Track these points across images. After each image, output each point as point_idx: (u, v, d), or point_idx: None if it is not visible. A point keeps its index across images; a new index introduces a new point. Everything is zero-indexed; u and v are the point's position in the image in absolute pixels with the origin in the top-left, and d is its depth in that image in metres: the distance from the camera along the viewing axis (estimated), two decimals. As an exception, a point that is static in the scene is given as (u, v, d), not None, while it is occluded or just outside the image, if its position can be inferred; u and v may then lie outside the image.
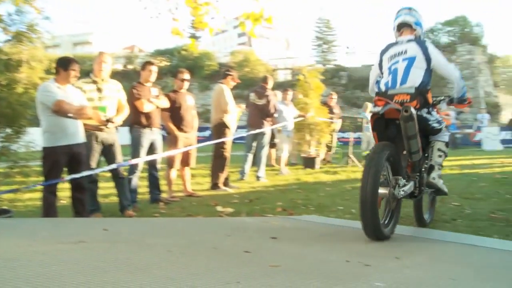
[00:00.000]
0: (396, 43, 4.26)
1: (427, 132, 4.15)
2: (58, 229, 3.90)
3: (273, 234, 3.88)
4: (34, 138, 5.91)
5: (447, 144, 4.33)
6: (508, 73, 72.29)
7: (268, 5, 6.98)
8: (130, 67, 34.37)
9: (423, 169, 4.23)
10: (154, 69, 6.68)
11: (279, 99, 10.84)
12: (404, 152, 4.02)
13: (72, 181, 5.26)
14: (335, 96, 13.77)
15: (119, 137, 6.00)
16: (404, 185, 3.94)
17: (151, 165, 6.76)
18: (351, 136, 12.98)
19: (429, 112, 4.01)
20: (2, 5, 6.23)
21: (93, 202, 5.79)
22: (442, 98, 4.43)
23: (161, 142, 6.76)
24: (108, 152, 5.82)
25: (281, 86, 16.18)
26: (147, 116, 6.47)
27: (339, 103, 25.04)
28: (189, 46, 30.20)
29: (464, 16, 32.76)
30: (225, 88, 7.99)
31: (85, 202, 5.48)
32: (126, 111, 6.03)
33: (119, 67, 33.86)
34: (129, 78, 6.74)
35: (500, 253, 3.74)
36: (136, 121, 6.41)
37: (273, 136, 10.09)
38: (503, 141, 21.68)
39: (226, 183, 8.15)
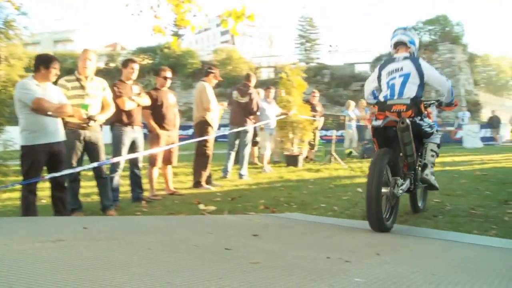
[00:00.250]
0: (393, 60, 4.85)
1: (421, 136, 4.77)
2: (36, 228, 3.85)
3: (254, 231, 3.88)
4: (12, 137, 5.84)
5: (438, 145, 4.90)
6: (487, 71, 73.31)
7: (250, 2, 6.98)
8: (112, 65, 34.08)
9: (417, 167, 4.87)
10: (135, 67, 6.64)
11: (261, 97, 10.84)
12: (401, 154, 4.68)
13: (52, 180, 5.20)
14: (317, 94, 13.81)
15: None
16: (402, 184, 4.57)
17: (133, 164, 6.72)
18: (333, 134, 13.00)
19: (422, 119, 4.66)
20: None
21: (75, 201, 5.73)
22: (432, 102, 5.03)
23: (143, 140, 6.72)
24: (91, 151, 5.75)
25: (264, 84, 16.20)
26: (129, 114, 6.43)
27: (322, 101, 25.16)
28: (171, 44, 30.07)
29: (445, 15, 33.03)
30: (207, 86, 7.96)
31: (65, 201, 5.43)
32: (111, 110, 5.96)
33: (101, 65, 33.53)
34: (111, 76, 6.68)
35: (479, 248, 3.79)
36: (117, 119, 6.36)
37: (255, 134, 10.08)
38: (483, 139, 22.00)
39: (208, 181, 8.13)
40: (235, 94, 9.34)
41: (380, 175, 4.20)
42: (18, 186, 5.23)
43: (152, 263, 2.34)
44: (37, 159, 5.01)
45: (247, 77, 9.62)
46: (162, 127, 7.05)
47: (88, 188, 6.82)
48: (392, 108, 4.52)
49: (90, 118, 5.46)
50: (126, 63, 6.72)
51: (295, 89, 11.37)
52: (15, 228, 3.78)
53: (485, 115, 28.33)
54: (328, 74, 33.94)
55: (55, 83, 5.37)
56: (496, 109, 26.99)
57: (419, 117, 4.62)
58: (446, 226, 4.82)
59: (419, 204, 5.54)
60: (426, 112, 4.84)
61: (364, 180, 8.67)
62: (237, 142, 9.29)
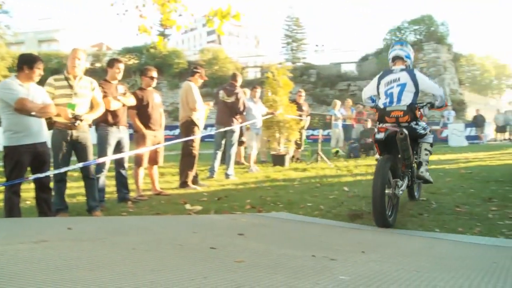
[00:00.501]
0: (391, 72, 5.46)
1: (416, 137, 5.39)
2: (19, 229, 3.81)
3: (240, 230, 3.87)
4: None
5: (431, 144, 5.59)
6: (472, 71, 73.97)
7: (236, 2, 6.97)
8: (98, 65, 33.85)
9: (413, 165, 5.52)
10: (121, 66, 6.59)
11: (247, 97, 10.83)
12: (399, 156, 5.22)
13: (36, 181, 5.16)
14: (303, 93, 13.83)
15: (86, 136, 5.88)
16: (402, 185, 5.14)
17: (119, 164, 6.68)
18: (320, 133, 13.04)
19: (417, 124, 5.28)
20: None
21: (61, 201, 5.67)
22: (425, 104, 5.57)
23: (128, 140, 6.68)
24: (79, 151, 5.69)
25: (251, 84, 16.18)
26: (114, 114, 6.39)
27: (308, 101, 25.21)
28: (156, 44, 29.96)
29: (430, 15, 33.32)
30: (193, 86, 7.94)
31: (50, 202, 5.38)
32: (100, 109, 5.91)
33: (87, 65, 33.34)
34: (97, 76, 6.65)
35: (463, 245, 3.83)
36: (103, 119, 6.31)
37: (241, 134, 10.07)
38: (468, 138, 22.21)
39: (195, 181, 8.11)
40: (221, 94, 9.32)
41: (384, 179, 4.74)
42: (2, 188, 5.18)
43: (136, 262, 2.32)
44: (21, 159, 4.96)
45: (234, 77, 9.61)
46: (148, 127, 7.02)
47: (74, 189, 6.77)
48: (391, 114, 5.15)
49: (76, 118, 5.40)
50: (112, 62, 6.68)
51: (281, 89, 11.37)
52: (-3, 229, 3.74)
53: (469, 114, 28.60)
54: (315, 74, 34.04)
55: (39, 82, 5.31)
56: (480, 108, 27.28)
57: (414, 122, 5.24)
58: (431, 224, 4.86)
59: (415, 194, 6.28)
60: (420, 112, 5.39)
61: (350, 178, 8.75)
62: (223, 142, 9.27)
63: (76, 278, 1.91)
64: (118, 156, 6.33)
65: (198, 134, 8.00)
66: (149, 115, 7.05)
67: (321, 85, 33.33)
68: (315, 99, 31.81)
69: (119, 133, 6.48)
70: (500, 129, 27.12)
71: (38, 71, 5.12)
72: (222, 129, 8.90)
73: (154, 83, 7.30)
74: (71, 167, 5.45)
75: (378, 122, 5.39)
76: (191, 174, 7.99)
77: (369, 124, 15.90)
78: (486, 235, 4.30)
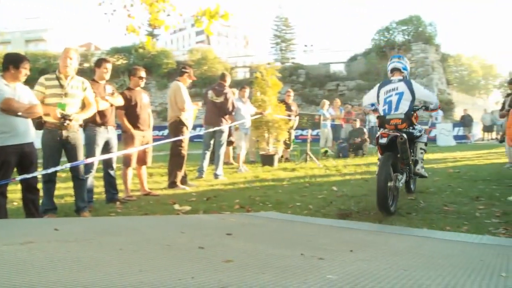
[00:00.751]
0: (390, 82, 6.13)
1: (412, 139, 6.09)
2: (5, 230, 3.77)
3: (229, 230, 3.87)
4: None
5: (425, 144, 6.42)
6: (460, 71, 74.53)
7: (224, 2, 6.96)
8: (86, 65, 33.65)
9: (411, 163, 6.08)
10: (108, 66, 6.55)
11: (236, 97, 10.82)
12: (399, 155, 5.84)
13: (23, 182, 5.11)
14: (292, 93, 13.85)
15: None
16: (401, 179, 5.84)
17: (107, 165, 6.64)
18: (309, 133, 13.06)
19: (413, 128, 6.02)
20: None
21: (49, 201, 5.63)
22: (420, 107, 6.24)
23: (116, 140, 6.64)
24: (69, 151, 5.65)
25: (240, 84, 16.20)
26: (102, 114, 6.34)
27: (297, 101, 25.24)
28: (145, 44, 29.86)
29: (418, 16, 33.49)
30: (181, 86, 7.92)
31: (37, 203, 5.34)
32: (91, 110, 5.88)
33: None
34: (85, 76, 6.59)
35: (451, 243, 3.85)
36: (91, 119, 6.26)
37: (229, 134, 10.06)
38: (456, 137, 22.36)
39: (184, 182, 8.09)
40: (210, 94, 9.30)
41: (387, 174, 5.34)
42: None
43: (123, 263, 2.31)
44: (7, 160, 4.91)
45: (222, 77, 9.60)
46: (136, 127, 6.99)
47: (61, 189, 6.72)
48: (391, 122, 5.79)
49: (65, 118, 5.35)
50: (99, 62, 6.64)
51: (270, 89, 11.37)
52: (-17, 231, 3.70)
53: (457, 114, 28.78)
54: (303, 74, 34.08)
55: (26, 82, 5.27)
56: (468, 108, 27.48)
57: (411, 127, 5.97)
58: (419, 223, 4.89)
59: (412, 187, 6.89)
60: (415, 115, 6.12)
61: (339, 178, 8.77)
62: (212, 142, 9.26)
63: (63, 279, 1.89)
64: (106, 156, 6.29)
65: (186, 134, 7.98)
66: (138, 115, 7.02)
67: (310, 85, 33.37)
68: (304, 99, 31.86)
69: (107, 133, 6.44)
70: (487, 128, 27.33)
71: (24, 71, 5.08)
72: (211, 129, 8.89)
73: (142, 83, 7.28)
74: (59, 167, 5.41)
75: (379, 128, 6.07)
76: (180, 174, 7.97)
77: (357, 124, 15.96)
78: (474, 233, 4.32)
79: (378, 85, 6.36)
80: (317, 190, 7.37)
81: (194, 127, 10.40)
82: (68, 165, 5.45)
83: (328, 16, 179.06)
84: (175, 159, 7.95)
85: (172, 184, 7.88)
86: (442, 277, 2.45)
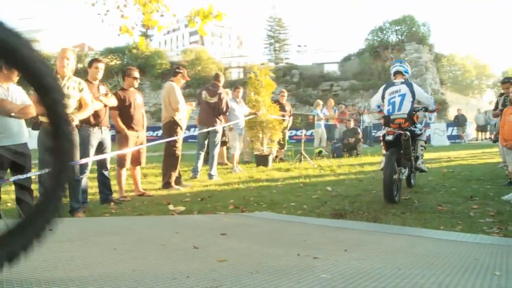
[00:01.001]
0: (393, 84, 6.78)
1: (414, 136, 6.61)
2: (-1, 231, 3.75)
3: (223, 230, 3.86)
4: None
5: (425, 141, 7.24)
6: (453, 71, 74.84)
7: (218, 2, 6.96)
8: (80, 65, 33.54)
9: (412, 158, 6.68)
10: (100, 66, 6.53)
11: (230, 97, 10.82)
12: (402, 151, 6.41)
13: (16, 183, 5.09)
14: (286, 93, 13.87)
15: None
16: (404, 172, 6.53)
17: (101, 165, 6.62)
18: (303, 133, 13.08)
19: (415, 126, 6.60)
20: None
21: None
22: (420, 108, 6.82)
23: (110, 141, 6.62)
24: None
25: (234, 85, 16.20)
26: (96, 115, 6.32)
27: (291, 101, 25.25)
28: (138, 44, 29.79)
29: (411, 16, 33.65)
30: (175, 86, 7.91)
31: (31, 203, 5.31)
32: (88, 110, 5.86)
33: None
34: (79, 77, 6.58)
35: (445, 243, 3.86)
36: (85, 120, 6.25)
37: (222, 134, 10.06)
38: (450, 137, 22.45)
39: (178, 182, 8.09)
40: (204, 94, 9.30)
41: (392, 167, 6.03)
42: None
43: (117, 262, 2.30)
44: (0, 161, 4.89)
45: (216, 77, 9.60)
46: (130, 127, 6.98)
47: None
48: (395, 121, 6.39)
49: None
50: (91, 63, 6.62)
51: (264, 89, 11.38)
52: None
53: (451, 113, 28.90)
54: (297, 74, 34.14)
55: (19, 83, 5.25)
56: (462, 108, 27.56)
57: (413, 126, 6.54)
58: (413, 223, 4.90)
59: (412, 182, 7.45)
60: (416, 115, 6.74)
61: (334, 178, 8.79)
62: (206, 142, 9.25)
63: (56, 279, 1.89)
64: (100, 157, 6.28)
65: (180, 135, 7.98)
66: (131, 116, 7.01)
67: (304, 85, 33.44)
68: (298, 99, 31.92)
69: (101, 134, 6.41)
70: (481, 128, 27.47)
71: (17, 72, 5.05)
72: (205, 130, 8.89)
73: (136, 84, 7.27)
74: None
75: (384, 127, 6.65)
76: (174, 175, 7.97)
77: (351, 124, 15.99)
78: (468, 232, 4.33)
79: (382, 87, 6.98)
80: (311, 190, 7.38)
81: (188, 128, 10.38)
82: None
83: (322, 16, 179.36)
84: (169, 160, 7.94)
85: (166, 185, 7.87)
86: (436, 276, 2.45)
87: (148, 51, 34.26)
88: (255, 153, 11.79)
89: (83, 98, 5.78)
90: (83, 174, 6.27)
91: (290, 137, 16.44)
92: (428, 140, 20.93)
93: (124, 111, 6.95)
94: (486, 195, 6.48)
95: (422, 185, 7.52)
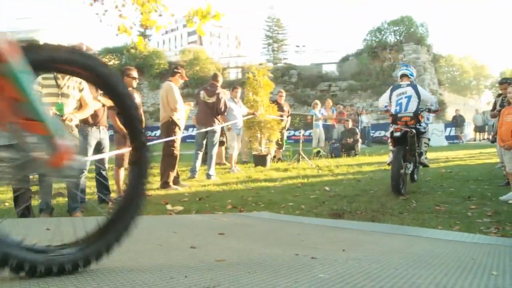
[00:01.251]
0: (400, 86, 7.43)
1: (419, 134, 7.11)
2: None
3: (221, 230, 3.86)
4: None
5: (429, 139, 7.83)
6: (451, 72, 74.96)
7: (216, 2, 6.96)
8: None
9: (416, 154, 7.22)
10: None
11: (228, 97, 10.82)
12: (407, 148, 6.93)
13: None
14: (284, 94, 13.88)
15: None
16: (410, 167, 7.10)
17: (99, 165, 6.62)
18: (301, 133, 13.09)
19: (419, 125, 7.13)
20: None
21: (45, 202, 5.59)
22: (424, 109, 7.37)
23: (108, 141, 6.62)
24: None
25: (232, 85, 16.20)
26: (94, 114, 6.31)
27: (290, 101, 25.26)
28: (136, 44, 29.80)
29: (409, 17, 33.71)
30: (173, 86, 7.91)
31: (29, 202, 5.30)
32: (88, 110, 5.85)
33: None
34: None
35: (443, 242, 3.87)
36: (83, 119, 6.25)
37: (220, 134, 10.06)
38: (448, 137, 22.50)
39: (176, 182, 8.09)
40: (202, 94, 9.31)
41: (399, 163, 6.66)
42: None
43: (113, 262, 2.30)
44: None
45: (214, 77, 9.61)
46: (128, 127, 6.96)
47: (53, 189, 6.68)
48: (402, 119, 6.99)
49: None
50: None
51: (262, 89, 11.39)
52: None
53: (449, 114, 28.96)
54: (295, 74, 34.18)
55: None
56: (460, 108, 27.65)
57: (418, 124, 7.07)
58: (411, 223, 4.91)
59: (415, 177, 7.83)
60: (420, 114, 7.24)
61: (332, 178, 8.80)
62: (204, 142, 9.25)
63: (52, 278, 1.89)
64: (98, 157, 6.27)
65: (179, 135, 7.98)
66: (130, 116, 6.98)
67: (302, 85, 33.48)
68: (296, 100, 31.96)
69: (99, 133, 6.41)
70: (479, 129, 27.55)
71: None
72: (204, 130, 8.89)
73: (135, 84, 7.27)
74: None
75: (391, 124, 7.17)
76: (172, 175, 7.97)
77: (350, 124, 16.01)
78: (465, 232, 4.34)
79: (390, 88, 7.66)
80: (309, 190, 7.39)
81: (187, 128, 10.40)
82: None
83: (320, 17, 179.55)
84: (168, 160, 7.94)
85: (164, 184, 7.87)
86: (433, 275, 2.46)
87: (146, 51, 34.25)
88: (253, 153, 11.80)
89: (83, 98, 5.78)
90: (81, 174, 6.26)
91: (288, 137, 16.44)
92: (427, 140, 21.13)
93: (122, 111, 6.93)
94: (484, 195, 6.50)
95: (420, 185, 7.55)
